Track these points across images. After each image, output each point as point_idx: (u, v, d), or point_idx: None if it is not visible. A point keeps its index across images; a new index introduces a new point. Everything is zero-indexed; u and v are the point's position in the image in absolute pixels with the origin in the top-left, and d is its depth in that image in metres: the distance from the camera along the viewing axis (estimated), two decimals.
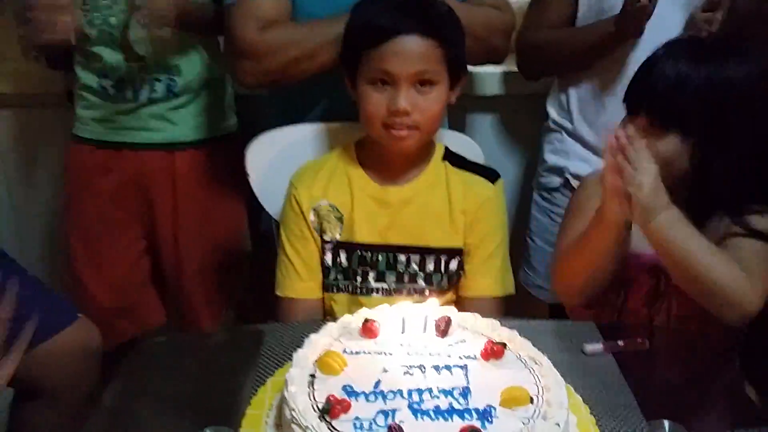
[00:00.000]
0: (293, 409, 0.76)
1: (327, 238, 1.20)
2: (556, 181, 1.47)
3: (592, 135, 1.41)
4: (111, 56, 1.39)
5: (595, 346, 0.97)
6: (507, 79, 1.64)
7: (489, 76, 1.64)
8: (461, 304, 1.20)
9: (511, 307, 1.23)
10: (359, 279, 1.20)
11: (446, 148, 1.23)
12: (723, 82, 1.02)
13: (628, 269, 1.11)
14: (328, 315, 1.22)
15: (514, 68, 1.52)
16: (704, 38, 1.21)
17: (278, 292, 1.22)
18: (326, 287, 1.22)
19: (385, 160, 1.18)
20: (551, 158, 1.48)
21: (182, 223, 1.45)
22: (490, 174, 1.22)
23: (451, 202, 1.18)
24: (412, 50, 1.08)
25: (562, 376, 0.84)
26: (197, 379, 0.99)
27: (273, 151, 1.30)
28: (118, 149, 1.44)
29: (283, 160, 1.28)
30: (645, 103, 1.04)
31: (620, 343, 0.97)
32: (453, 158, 1.22)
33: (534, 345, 0.88)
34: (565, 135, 1.45)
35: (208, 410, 0.90)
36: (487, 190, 1.20)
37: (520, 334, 0.89)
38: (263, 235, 1.47)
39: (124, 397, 0.94)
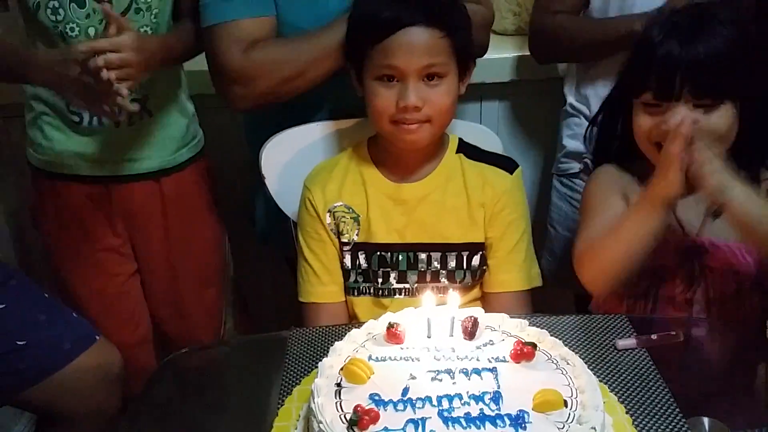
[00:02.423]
0: (321, 422, 0.74)
1: (344, 239, 1.18)
2: (575, 166, 1.43)
3: None
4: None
5: (628, 341, 0.94)
6: (520, 64, 1.60)
7: (501, 61, 1.60)
8: (486, 300, 1.18)
9: (535, 298, 1.21)
10: (380, 280, 1.18)
11: (460, 140, 1.20)
12: (744, 37, 1.02)
13: (658, 256, 1.08)
14: (353, 319, 1.21)
15: (526, 52, 1.48)
16: (685, 9, 1.16)
17: (301, 298, 1.20)
18: (347, 290, 1.20)
19: (398, 156, 1.15)
20: (570, 143, 1.45)
21: (173, 245, 1.40)
22: (507, 164, 1.19)
23: (469, 196, 1.16)
24: (417, 42, 1.05)
25: (594, 373, 0.82)
26: (223, 390, 0.98)
27: (287, 153, 1.27)
28: (105, 184, 1.32)
29: (297, 161, 1.25)
30: (688, 86, 1.00)
31: (653, 336, 0.94)
32: (468, 150, 1.19)
33: (565, 343, 0.85)
34: (583, 119, 1.41)
35: (236, 423, 0.89)
36: (505, 181, 1.17)
37: (549, 332, 0.87)
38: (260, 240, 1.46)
39: (149, 414, 0.93)
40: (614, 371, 0.90)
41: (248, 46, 1.16)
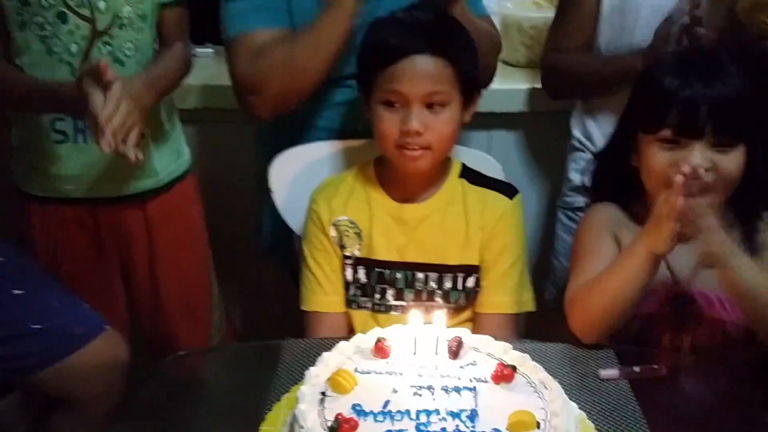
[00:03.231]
0: (302, 427, 0.77)
1: (347, 253, 1.21)
2: (580, 200, 1.45)
3: None
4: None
5: (611, 372, 0.96)
6: (531, 96, 1.64)
7: (512, 93, 1.64)
8: (476, 320, 1.20)
9: (538, 324, 1.23)
10: (377, 296, 1.21)
11: (463, 165, 1.23)
12: (751, 79, 1.04)
13: (646, 303, 1.10)
14: (351, 331, 1.23)
15: (538, 85, 1.51)
16: (699, 50, 1.18)
17: (303, 307, 1.23)
18: (346, 303, 1.23)
19: (402, 178, 1.19)
20: (576, 177, 1.47)
21: (158, 261, 1.41)
22: (507, 189, 1.22)
23: (468, 219, 1.19)
24: (422, 70, 1.09)
25: (575, 401, 0.84)
26: (216, 393, 1.01)
27: (295, 169, 1.32)
28: (92, 207, 1.35)
29: (306, 177, 1.30)
30: (710, 125, 1.02)
31: (636, 368, 0.96)
32: (470, 175, 1.22)
33: (548, 369, 0.87)
34: (589, 154, 1.44)
35: (224, 427, 0.92)
36: (505, 205, 1.20)
37: (535, 358, 0.89)
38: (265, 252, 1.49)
39: (143, 414, 0.96)
40: (594, 400, 0.92)
41: (256, 55, 1.21)
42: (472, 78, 1.15)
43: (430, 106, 1.11)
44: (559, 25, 1.43)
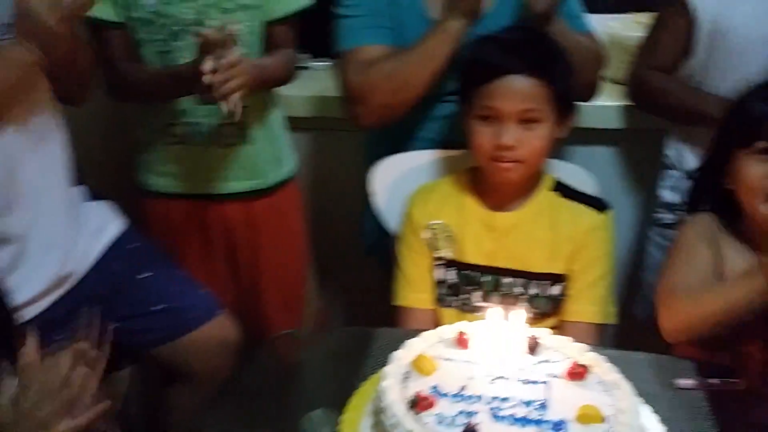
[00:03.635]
0: (385, 400, 0.86)
1: (438, 254, 1.29)
2: (669, 217, 1.46)
3: None
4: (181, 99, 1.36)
5: (688, 382, 0.97)
6: (627, 112, 1.65)
7: (608, 109, 1.65)
8: (562, 327, 1.24)
9: (627, 341, 1.24)
10: (465, 297, 1.28)
11: (556, 180, 1.28)
12: None
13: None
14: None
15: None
16: None
17: (395, 302, 1.33)
18: (436, 301, 1.31)
19: (494, 187, 1.25)
20: (666, 195, 1.47)
21: (260, 256, 1.50)
22: (598, 204, 1.25)
23: (557, 231, 1.23)
24: (518, 89, 1.16)
25: (649, 405, 0.86)
26: (317, 368, 1.11)
27: (395, 174, 1.42)
28: (201, 202, 1.45)
29: (404, 183, 1.39)
30: None
31: (714, 381, 0.97)
32: (562, 189, 1.27)
33: (624, 373, 0.90)
34: (680, 172, 1.44)
35: (322, 395, 1.01)
36: (595, 219, 1.23)
37: (611, 362, 0.93)
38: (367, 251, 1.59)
39: (255, 379, 1.09)
40: (669, 407, 0.93)
41: (365, 67, 1.33)
42: (566, 96, 1.20)
43: (523, 121, 1.17)
44: (650, 42, 1.44)
